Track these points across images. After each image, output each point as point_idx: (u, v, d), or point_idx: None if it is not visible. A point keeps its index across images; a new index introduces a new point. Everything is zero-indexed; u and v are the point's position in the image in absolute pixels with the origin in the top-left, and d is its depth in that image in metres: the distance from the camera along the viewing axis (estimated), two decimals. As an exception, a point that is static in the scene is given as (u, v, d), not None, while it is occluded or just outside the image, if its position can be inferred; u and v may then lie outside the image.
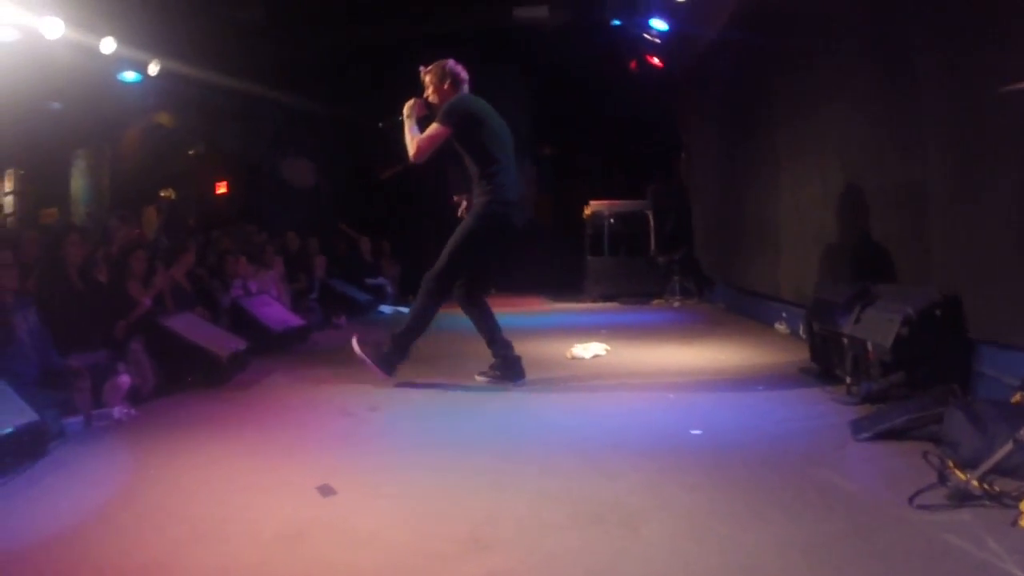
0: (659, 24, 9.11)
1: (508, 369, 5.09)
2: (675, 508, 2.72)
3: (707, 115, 10.07)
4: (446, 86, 5.18)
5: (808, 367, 5.08)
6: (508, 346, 5.16)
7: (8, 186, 15.82)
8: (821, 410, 4.09)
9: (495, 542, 2.48)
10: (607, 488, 2.95)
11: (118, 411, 4.53)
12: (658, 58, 10.28)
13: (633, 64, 10.88)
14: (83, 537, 2.72)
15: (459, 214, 5.41)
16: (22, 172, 15.70)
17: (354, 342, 5.11)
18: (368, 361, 5.05)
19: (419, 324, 5.15)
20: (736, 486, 2.92)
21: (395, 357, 5.09)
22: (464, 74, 5.26)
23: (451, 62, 5.24)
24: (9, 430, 3.62)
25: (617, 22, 9.89)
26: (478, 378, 5.17)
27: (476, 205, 5.07)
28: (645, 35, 9.58)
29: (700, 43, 9.40)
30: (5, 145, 14.17)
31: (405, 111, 5.19)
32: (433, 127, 5.02)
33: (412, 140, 5.07)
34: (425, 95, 5.25)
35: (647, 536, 2.49)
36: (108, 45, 8.91)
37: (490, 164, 5.03)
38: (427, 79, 5.23)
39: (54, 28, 7.96)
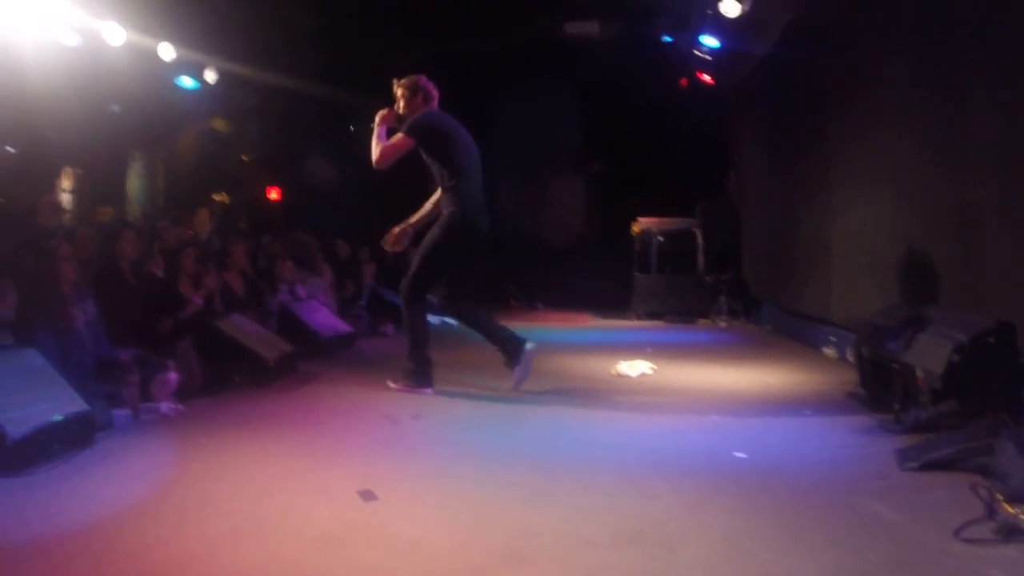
0: (710, 41, 9.05)
1: (513, 351, 5.28)
2: (715, 531, 2.68)
3: (758, 133, 9.99)
4: (417, 100, 5.36)
5: (856, 392, 4.94)
6: (507, 333, 5.37)
7: (66, 184, 16.32)
8: (868, 437, 3.98)
9: (532, 556, 2.46)
10: (647, 507, 2.91)
11: (165, 406, 4.65)
12: (709, 75, 10.21)
13: (684, 81, 10.84)
14: (124, 526, 2.79)
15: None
16: (79, 172, 16.19)
17: (389, 384, 5.29)
18: (406, 390, 5.20)
19: (418, 334, 5.33)
20: (778, 511, 2.86)
21: (422, 370, 5.25)
22: (434, 91, 5.45)
23: (423, 78, 5.45)
24: (59, 418, 3.75)
25: (668, 38, 9.85)
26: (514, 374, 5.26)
27: (443, 216, 5.27)
28: (696, 52, 9.53)
29: (751, 60, 9.33)
30: (64, 145, 14.62)
31: (376, 119, 5.41)
32: (397, 136, 5.25)
33: (377, 146, 5.31)
34: (396, 106, 5.43)
35: (685, 558, 2.45)
36: (167, 51, 9.16)
37: (455, 176, 5.24)
38: (399, 91, 5.41)
39: (116, 34, 8.22)
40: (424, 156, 5.33)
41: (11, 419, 3.51)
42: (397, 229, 5.65)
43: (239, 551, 2.54)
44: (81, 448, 3.80)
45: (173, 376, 4.88)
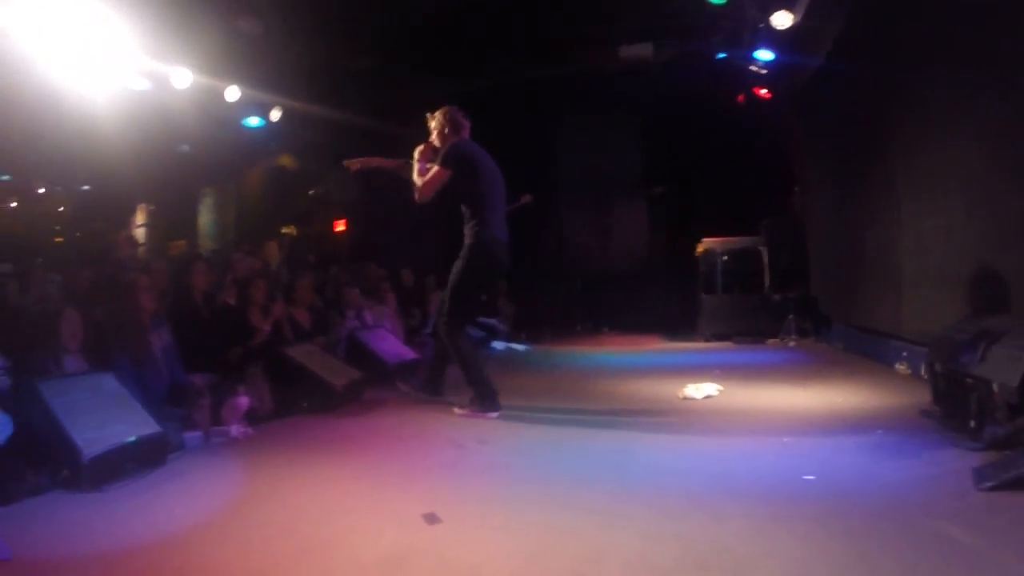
0: (764, 55, 8.95)
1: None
2: (785, 557, 2.61)
3: (819, 147, 9.80)
4: (447, 131, 5.52)
5: (930, 410, 4.77)
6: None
7: (140, 220, 17.03)
8: (942, 456, 3.82)
9: (597, 581, 2.45)
10: (715, 533, 2.86)
11: (235, 429, 4.80)
12: (766, 90, 10.08)
13: (741, 97, 10.72)
14: (192, 543, 2.89)
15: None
16: (152, 208, 16.87)
17: (456, 412, 5.35)
18: (473, 416, 5.26)
19: (469, 362, 5.42)
20: (850, 536, 2.77)
21: (484, 394, 5.32)
22: (465, 121, 5.59)
23: (454, 109, 5.58)
24: (133, 439, 3.94)
25: (722, 55, 9.76)
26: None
27: (464, 247, 5.43)
28: (751, 67, 9.43)
29: (807, 72, 9.18)
30: (138, 183, 15.27)
31: (415, 154, 5.58)
32: (435, 171, 5.36)
33: (418, 181, 5.45)
34: (430, 139, 5.60)
35: (754, 584, 2.42)
36: (233, 93, 9.53)
37: (480, 208, 5.38)
38: (432, 124, 5.58)
39: (183, 78, 8.60)
40: (451, 186, 5.42)
41: (87, 440, 3.70)
42: (362, 162, 5.83)
43: (302, 571, 2.59)
44: (153, 468, 3.97)
45: (243, 400, 5.04)
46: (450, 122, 5.52)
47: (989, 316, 4.53)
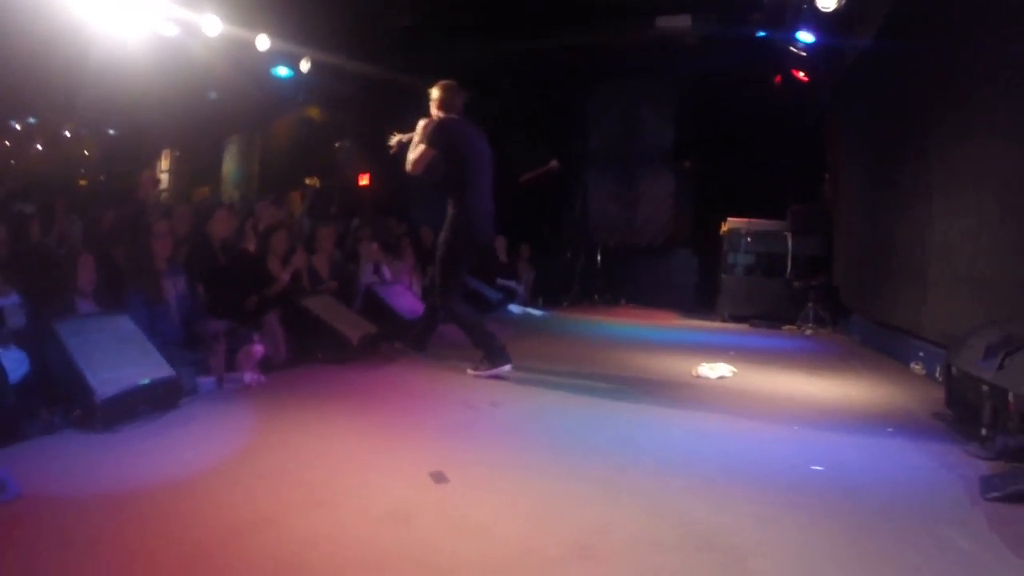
0: (806, 36, 8.76)
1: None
2: (786, 545, 2.62)
3: (854, 134, 9.61)
4: (441, 107, 5.68)
5: (942, 413, 4.72)
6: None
7: (164, 165, 17.14)
8: (951, 461, 3.78)
9: (601, 553, 2.47)
10: (719, 515, 2.87)
11: (249, 376, 4.85)
12: (804, 72, 9.89)
13: (778, 78, 10.54)
14: (200, 487, 2.93)
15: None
16: (177, 153, 16.95)
17: (469, 372, 5.44)
18: (487, 374, 5.36)
19: (471, 324, 5.60)
20: (851, 531, 2.77)
21: (492, 350, 5.45)
22: (459, 100, 5.74)
23: (450, 86, 5.74)
24: (146, 381, 4.00)
25: (762, 34, 9.56)
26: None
27: (448, 217, 5.61)
28: (791, 48, 9.25)
29: (848, 57, 8.99)
30: (164, 129, 15.34)
31: (418, 128, 5.67)
32: (421, 148, 5.55)
33: (412, 153, 5.60)
34: (432, 115, 5.72)
35: (754, 570, 2.41)
36: (263, 42, 9.49)
37: (462, 183, 5.55)
38: (433, 94, 5.73)
39: (213, 25, 8.57)
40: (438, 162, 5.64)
41: (101, 380, 3.76)
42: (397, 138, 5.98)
43: (310, 520, 2.63)
44: (165, 411, 4.03)
45: (258, 348, 5.09)
46: (444, 99, 5.68)
47: (1012, 324, 4.47)
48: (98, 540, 2.46)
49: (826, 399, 5.37)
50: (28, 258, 5.00)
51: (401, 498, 2.88)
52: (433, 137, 5.53)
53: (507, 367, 5.37)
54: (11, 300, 4.29)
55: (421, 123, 5.69)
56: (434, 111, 5.71)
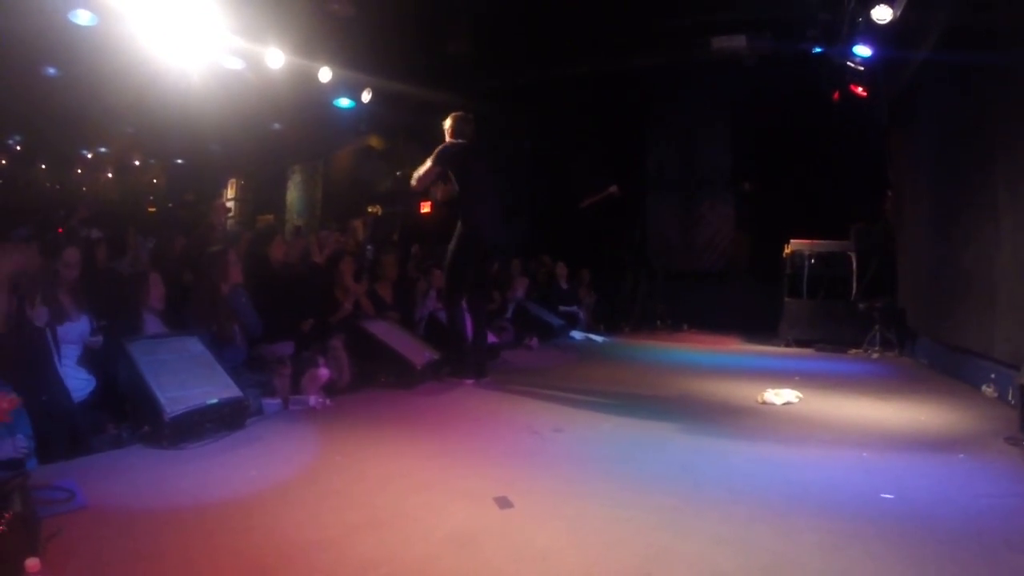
0: (863, 50, 8.61)
1: (463, 365, 6.25)
2: (851, 575, 2.56)
3: (917, 150, 9.37)
4: (456, 132, 6.43)
5: (1016, 437, 4.53)
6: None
7: (230, 193, 17.66)
8: None
9: (663, 580, 2.45)
10: (784, 544, 2.81)
11: (314, 399, 4.97)
12: (862, 87, 9.70)
13: (836, 95, 10.37)
14: (266, 505, 3.01)
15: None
16: (243, 182, 17.46)
17: (445, 372, 6.24)
18: (453, 380, 6.08)
19: (458, 332, 6.35)
20: (923, 561, 2.68)
21: (462, 363, 6.22)
22: (469, 128, 6.46)
23: (462, 116, 6.49)
24: (214, 401, 4.14)
25: (818, 50, 9.43)
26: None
27: (456, 230, 6.32)
28: (848, 63, 9.09)
29: (908, 70, 8.80)
30: (230, 158, 15.85)
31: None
32: (426, 165, 6.34)
33: (420, 171, 6.38)
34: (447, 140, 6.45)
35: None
36: (325, 74, 9.76)
37: (467, 198, 6.28)
38: (446, 123, 6.51)
39: (276, 58, 8.86)
40: (449, 177, 6.38)
41: (170, 399, 3.91)
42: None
43: (373, 541, 2.67)
44: (232, 430, 4.16)
45: (323, 372, 5.21)
46: (454, 127, 6.45)
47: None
48: (163, 554, 2.54)
49: (894, 425, 5.22)
50: (97, 281, 5.19)
51: (464, 521, 2.91)
52: (437, 157, 6.28)
53: (469, 382, 6.04)
54: (82, 323, 4.47)
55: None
56: (447, 137, 6.42)
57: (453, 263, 6.33)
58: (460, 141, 6.39)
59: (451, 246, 6.35)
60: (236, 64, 8.91)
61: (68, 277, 4.56)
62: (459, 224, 6.32)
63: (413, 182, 6.49)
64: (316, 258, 6.92)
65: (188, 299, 5.26)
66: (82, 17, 7.20)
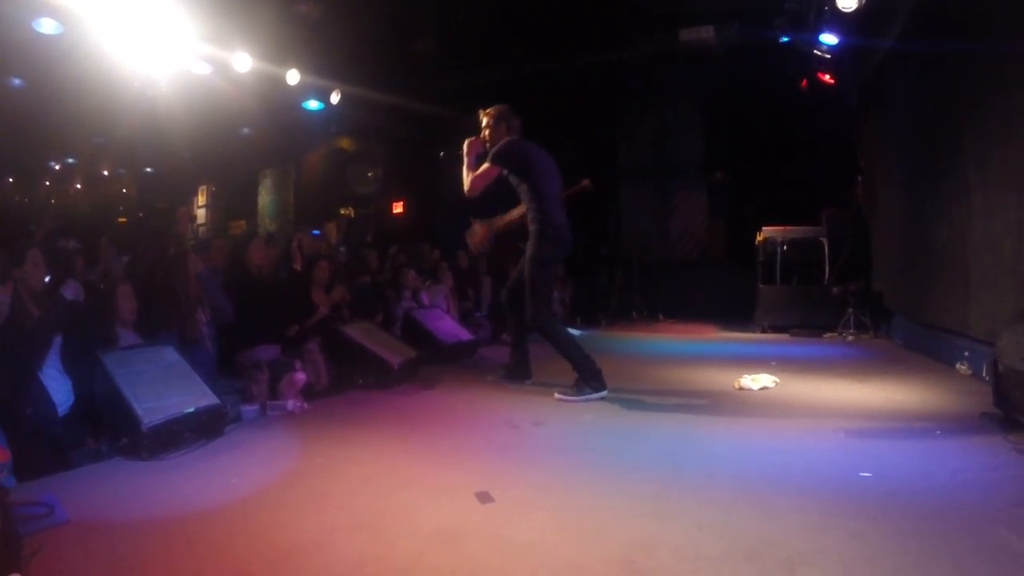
0: (829, 38, 8.70)
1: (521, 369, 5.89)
2: (835, 554, 2.57)
3: (886, 135, 9.49)
4: (500, 129, 5.76)
5: (991, 412, 4.57)
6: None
7: (201, 200, 17.51)
8: (1002, 461, 3.69)
9: (647, 568, 2.45)
10: (766, 526, 2.83)
11: (292, 404, 4.95)
12: (830, 75, 9.80)
13: (804, 83, 10.47)
14: (247, 511, 2.99)
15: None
16: (213, 188, 17.33)
17: (556, 396, 5.35)
18: (576, 401, 5.26)
19: (572, 349, 5.47)
20: (903, 537, 2.71)
21: (587, 377, 5.35)
22: (517, 120, 5.81)
23: (507, 108, 5.81)
24: (191, 409, 4.09)
25: (785, 39, 9.51)
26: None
27: (532, 233, 5.61)
28: (816, 51, 9.18)
29: (875, 56, 8.89)
30: (200, 165, 15.71)
31: (464, 148, 5.81)
32: (484, 167, 5.65)
33: (468, 175, 5.73)
34: (481, 135, 5.83)
35: (804, 580, 2.39)
36: (293, 76, 9.71)
37: (538, 198, 5.58)
38: (484, 120, 5.82)
39: (243, 62, 8.79)
40: (511, 180, 5.71)
41: (147, 409, 3.86)
42: (481, 230, 6.24)
43: (357, 542, 2.66)
44: (211, 438, 4.12)
45: (300, 376, 5.19)
46: (503, 120, 5.76)
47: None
48: (145, 566, 2.52)
49: (871, 405, 5.29)
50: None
51: (447, 518, 2.90)
52: (499, 156, 5.61)
53: (602, 394, 5.28)
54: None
55: (467, 142, 5.82)
56: (492, 132, 5.78)
57: (535, 272, 5.56)
58: (514, 136, 5.76)
59: (530, 252, 5.60)
60: (203, 69, 8.84)
61: (34, 279, 4.43)
62: (535, 225, 5.60)
63: (467, 187, 5.72)
64: (296, 264, 6.82)
65: (153, 303, 5.18)
66: (46, 26, 7.10)
